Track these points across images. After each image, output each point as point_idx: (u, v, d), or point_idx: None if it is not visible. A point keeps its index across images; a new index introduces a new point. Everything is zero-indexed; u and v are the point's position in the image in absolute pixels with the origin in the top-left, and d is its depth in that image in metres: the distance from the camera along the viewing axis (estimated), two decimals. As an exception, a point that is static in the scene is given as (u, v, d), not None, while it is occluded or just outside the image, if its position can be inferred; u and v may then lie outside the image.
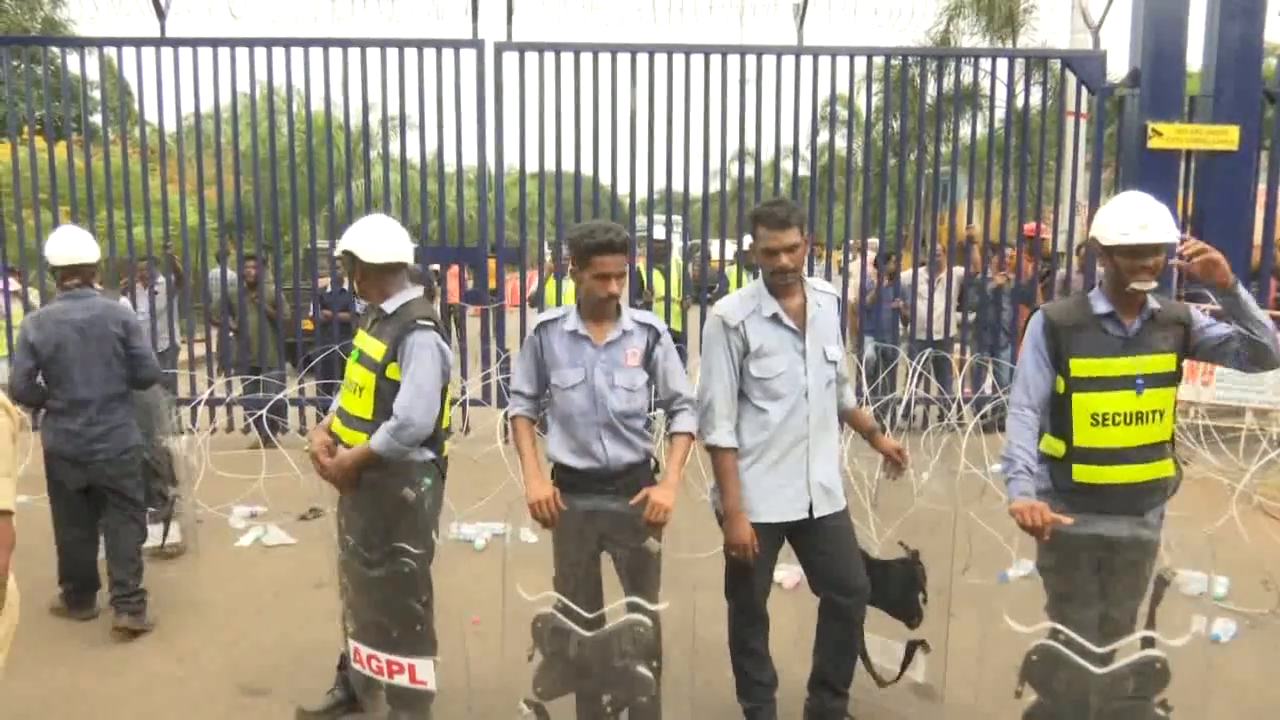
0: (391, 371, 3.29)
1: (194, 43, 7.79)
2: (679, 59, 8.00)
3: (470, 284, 8.68)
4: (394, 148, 8.40)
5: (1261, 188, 8.65)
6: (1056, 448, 2.95)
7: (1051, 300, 7.63)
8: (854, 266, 9.11)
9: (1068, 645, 2.67)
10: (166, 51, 7.79)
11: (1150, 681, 2.67)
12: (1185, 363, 7.66)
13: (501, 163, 8.10)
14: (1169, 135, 8.23)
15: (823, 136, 10.68)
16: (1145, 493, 2.91)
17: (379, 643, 3.29)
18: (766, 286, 3.11)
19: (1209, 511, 5.66)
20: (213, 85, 7.83)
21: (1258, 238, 8.82)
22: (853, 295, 8.92)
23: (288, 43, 7.87)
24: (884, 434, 3.39)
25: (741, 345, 3.08)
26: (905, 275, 8.74)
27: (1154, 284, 2.85)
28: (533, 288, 10.10)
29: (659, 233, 9.33)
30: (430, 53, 7.84)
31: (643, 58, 7.98)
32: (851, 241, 9.11)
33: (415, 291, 3.47)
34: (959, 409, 7.67)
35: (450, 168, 8.32)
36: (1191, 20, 8.31)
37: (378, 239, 3.38)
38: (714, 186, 9.10)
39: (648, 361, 3.17)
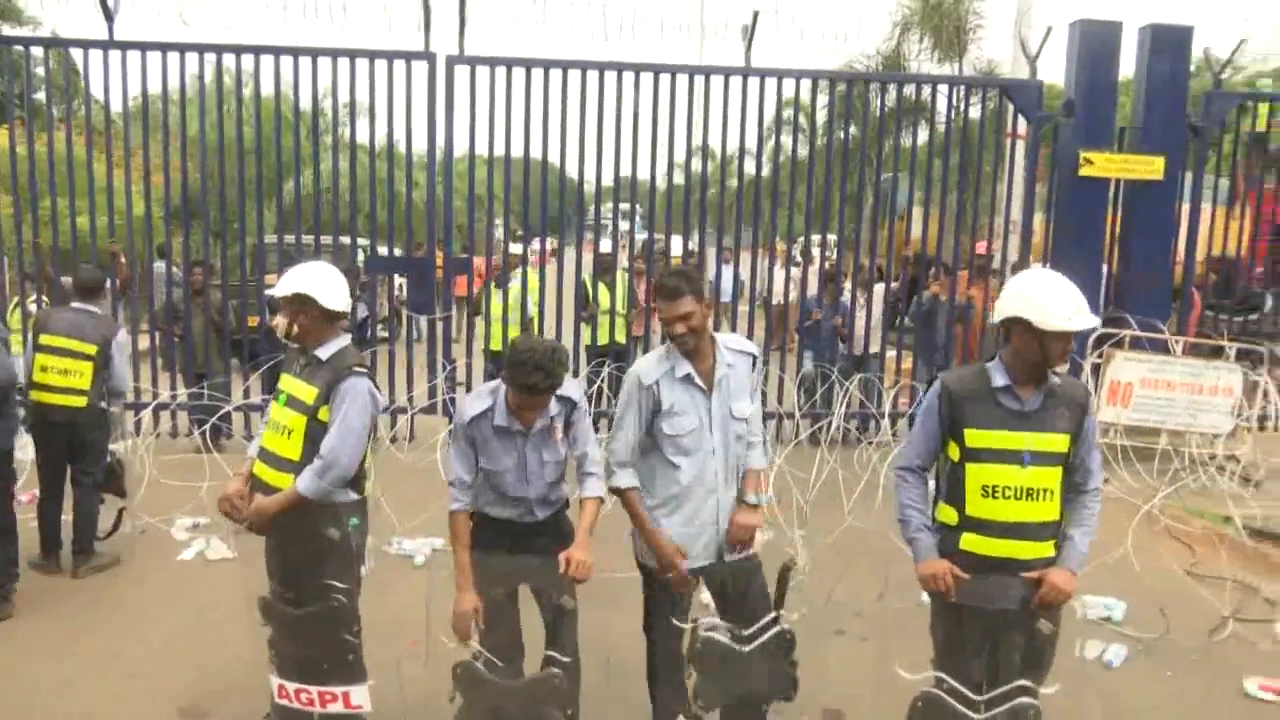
0: (324, 414, 3.43)
1: (143, 46, 7.75)
2: (629, 76, 8.15)
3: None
4: (347, 153, 8.44)
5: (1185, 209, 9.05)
6: (950, 516, 3.06)
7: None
8: (795, 274, 9.37)
9: (950, 694, 2.89)
10: (115, 54, 7.75)
11: (1024, 727, 2.91)
12: (1106, 385, 7.99)
13: (450, 174, 8.20)
14: (1099, 164, 8.56)
15: (777, 140, 10.88)
16: (1026, 571, 2.99)
17: (309, 676, 3.42)
18: (678, 348, 3.29)
19: (1117, 534, 5.97)
20: (161, 90, 7.81)
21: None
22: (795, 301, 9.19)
23: (239, 49, 7.87)
24: (753, 509, 3.40)
25: (653, 404, 3.26)
26: (846, 294, 9.02)
27: (1065, 366, 3.00)
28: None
29: (610, 225, 9.46)
30: (381, 64, 7.91)
31: (593, 74, 8.11)
32: (797, 253, 9.37)
33: (346, 339, 3.61)
34: (891, 424, 7.94)
35: (400, 185, 8.31)
36: (1123, 55, 8.67)
37: (337, 287, 3.50)
38: (676, 179, 9.27)
39: (568, 429, 3.38)
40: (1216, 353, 8.24)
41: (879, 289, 9.16)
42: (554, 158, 8.27)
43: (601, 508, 3.40)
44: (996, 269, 9.01)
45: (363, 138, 8.45)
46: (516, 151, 8.20)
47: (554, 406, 3.33)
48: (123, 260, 8.23)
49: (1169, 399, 7.68)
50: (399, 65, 7.92)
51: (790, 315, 9.92)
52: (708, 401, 3.29)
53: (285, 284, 3.49)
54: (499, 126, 8.03)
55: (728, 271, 12.05)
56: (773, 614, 3.21)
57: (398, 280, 11.18)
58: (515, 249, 9.22)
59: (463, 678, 3.01)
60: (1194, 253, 9.05)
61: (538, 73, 8.04)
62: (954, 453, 3.03)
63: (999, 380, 2.97)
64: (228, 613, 4.97)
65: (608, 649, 3.68)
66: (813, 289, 9.27)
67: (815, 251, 9.75)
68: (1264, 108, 9.30)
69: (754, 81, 8.29)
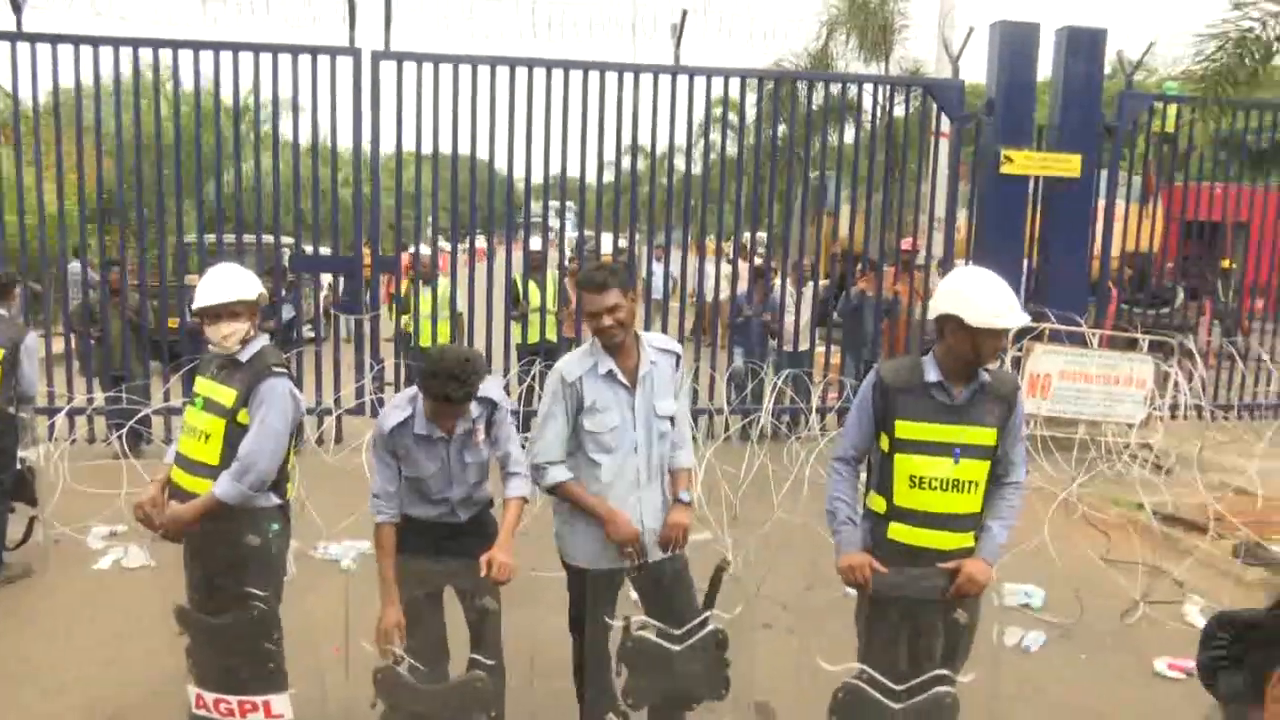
0: (243, 417, 3.37)
1: (54, 39, 7.50)
2: (558, 73, 8.13)
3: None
4: (271, 150, 8.28)
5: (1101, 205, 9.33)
6: (879, 504, 3.11)
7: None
8: (726, 271, 9.44)
9: (871, 684, 2.95)
10: (24, 47, 7.48)
11: (943, 715, 2.98)
12: (1026, 377, 8.19)
13: (377, 172, 8.10)
14: (1019, 161, 8.79)
15: (712, 138, 10.94)
16: (950, 560, 3.04)
17: (228, 685, 3.36)
18: (602, 344, 3.27)
19: (1036, 522, 6.14)
20: (74, 85, 7.56)
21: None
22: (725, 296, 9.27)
23: (156, 43, 7.66)
24: (685, 506, 3.40)
25: (576, 400, 3.25)
26: (775, 290, 9.12)
27: (995, 364, 3.06)
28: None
29: (541, 222, 9.43)
30: (305, 59, 7.76)
31: (522, 71, 8.07)
32: (726, 248, 9.44)
33: (265, 339, 3.55)
34: (820, 419, 8.06)
35: (326, 183, 8.16)
36: (1043, 57, 8.92)
37: (254, 285, 3.46)
38: (606, 178, 9.28)
39: (489, 430, 3.35)
40: (1131, 345, 8.52)
41: (810, 286, 9.30)
42: (485, 155, 8.26)
43: (526, 507, 3.38)
44: (921, 265, 9.19)
45: (292, 135, 8.31)
46: (446, 149, 8.13)
47: (475, 409, 3.30)
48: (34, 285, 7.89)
49: (1086, 390, 7.92)
50: (324, 60, 7.78)
51: (722, 312, 9.98)
52: (631, 398, 3.28)
53: (221, 291, 3.39)
54: (426, 123, 7.95)
55: (660, 269, 12.12)
56: (706, 613, 3.23)
57: (325, 279, 10.99)
58: (445, 246, 9.13)
59: (384, 684, 2.98)
60: (1109, 248, 9.36)
61: (465, 69, 7.98)
62: (884, 443, 3.08)
63: (932, 375, 3.02)
64: (147, 622, 4.83)
65: (533, 649, 3.66)
66: (744, 286, 9.36)
67: (747, 249, 9.85)
68: (1173, 109, 9.63)
69: (684, 80, 8.35)
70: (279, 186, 8.06)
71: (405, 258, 9.40)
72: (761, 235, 10.31)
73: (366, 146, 7.97)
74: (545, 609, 3.88)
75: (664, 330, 9.21)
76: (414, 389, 3.31)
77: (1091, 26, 9.01)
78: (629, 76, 8.29)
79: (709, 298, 10.82)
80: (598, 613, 3.33)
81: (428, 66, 7.90)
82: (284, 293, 9.07)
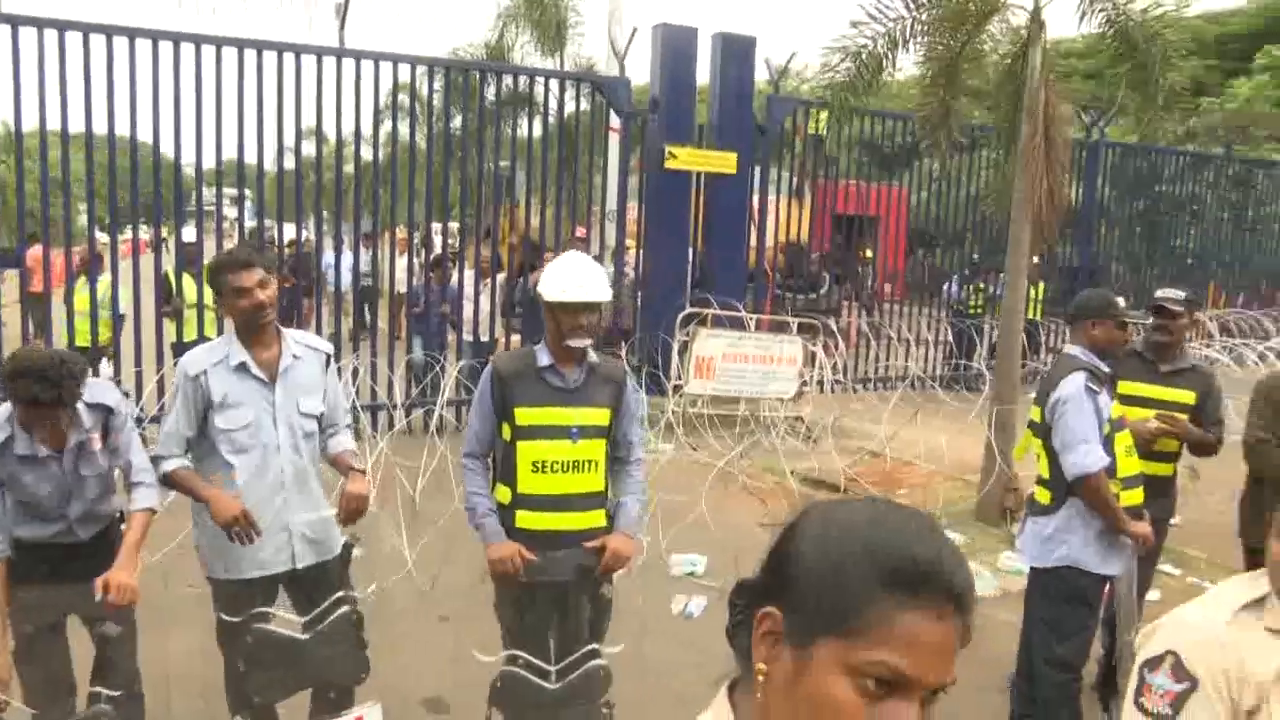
0: None
1: None
2: (209, 50, 7.54)
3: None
4: None
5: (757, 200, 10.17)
6: (504, 495, 3.17)
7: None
8: (401, 264, 9.27)
9: (526, 668, 3.02)
10: None
11: (596, 687, 3.13)
12: (693, 360, 8.73)
13: (20, 152, 7.14)
14: (682, 157, 9.35)
15: (389, 126, 10.62)
16: (582, 541, 3.17)
17: None
18: (238, 335, 3.09)
19: (698, 495, 6.58)
20: None
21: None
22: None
23: None
24: (359, 476, 3.24)
25: (203, 396, 3.03)
26: (454, 280, 9.07)
27: (588, 340, 3.13)
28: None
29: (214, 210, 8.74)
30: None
31: (167, 45, 7.40)
32: (399, 236, 9.25)
33: None
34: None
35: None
36: (702, 59, 9.52)
37: None
38: (287, 164, 8.73)
39: (106, 437, 3.05)
40: (784, 327, 9.36)
41: (500, 277, 9.29)
42: (147, 137, 7.53)
43: (153, 519, 3.10)
44: (597, 255, 9.51)
45: None
46: (101, 129, 7.30)
47: (88, 418, 2.99)
48: None
49: (745, 370, 8.60)
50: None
51: (402, 304, 9.79)
52: (270, 394, 3.11)
53: None
54: (51, 97, 7.07)
55: (344, 261, 11.64)
56: (337, 594, 3.13)
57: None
58: (103, 238, 8.21)
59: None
60: (765, 239, 10.21)
61: (98, 39, 7.17)
62: (505, 433, 3.14)
63: (543, 360, 3.12)
64: None
65: (168, 668, 3.40)
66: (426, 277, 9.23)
67: (436, 240, 9.71)
68: (821, 113, 10.66)
69: (365, 65, 8.09)
70: None
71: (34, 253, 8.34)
72: (453, 225, 10.20)
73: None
74: (190, 625, 3.62)
75: (337, 322, 8.91)
76: (6, 405, 2.93)
77: (743, 34, 9.75)
78: (290, 57, 7.85)
79: (399, 289, 10.58)
80: (248, 625, 3.15)
81: (50, 34, 7.01)
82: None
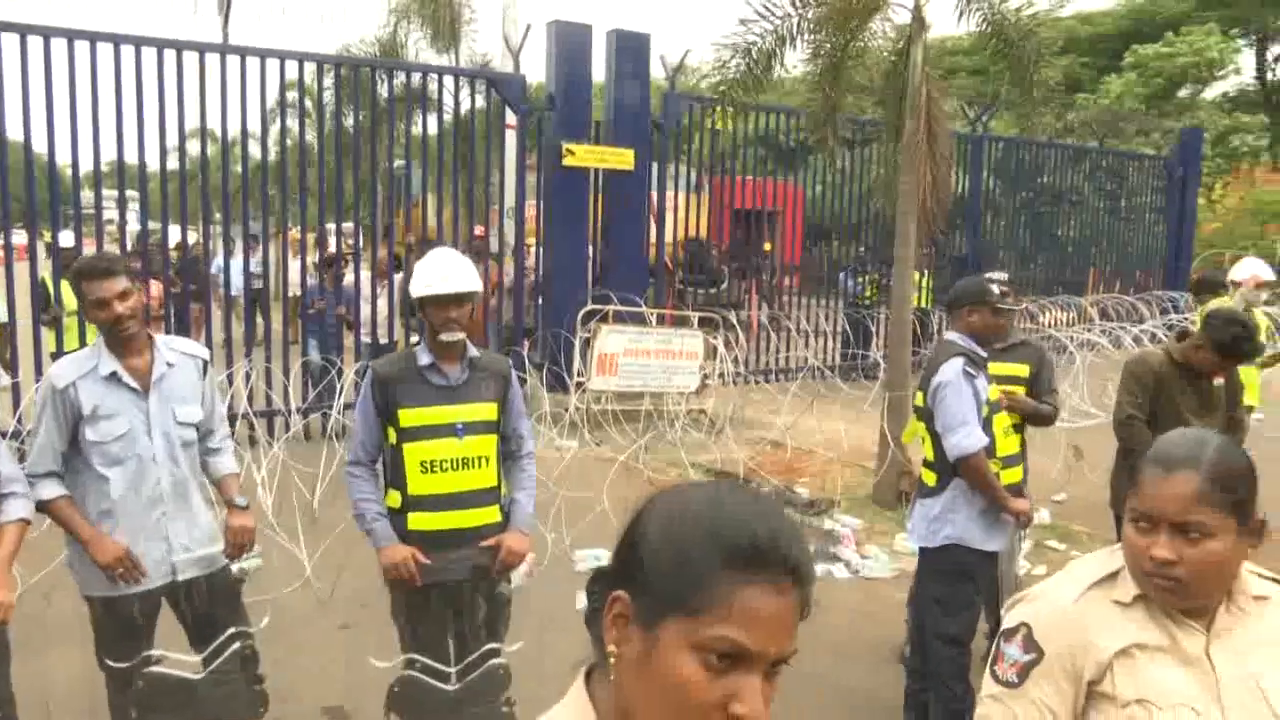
0: None
1: None
2: (82, 45, 7.22)
3: None
4: None
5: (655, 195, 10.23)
6: (394, 499, 3.14)
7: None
8: (295, 265, 9.05)
9: (424, 672, 3.00)
10: None
11: (497, 686, 3.12)
12: (595, 356, 8.74)
13: None
14: (580, 154, 9.35)
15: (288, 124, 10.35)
16: (478, 539, 3.17)
17: None
18: (107, 344, 2.98)
19: (600, 490, 6.59)
20: None
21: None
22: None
23: None
24: (242, 511, 3.22)
25: (72, 409, 2.92)
26: (349, 280, 8.89)
27: (460, 334, 3.10)
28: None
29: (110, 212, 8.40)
30: None
31: (35, 40, 7.06)
32: (292, 237, 9.03)
33: None
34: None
35: None
36: (597, 56, 9.54)
37: None
38: (172, 164, 8.41)
39: None
40: (686, 322, 9.46)
41: (399, 277, 9.11)
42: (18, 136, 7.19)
43: (26, 531, 2.93)
44: (495, 252, 9.46)
45: None
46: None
47: None
48: None
49: (647, 365, 8.66)
50: None
51: (294, 306, 9.56)
52: (143, 403, 3.00)
53: None
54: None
55: (235, 263, 11.28)
56: (230, 630, 3.06)
57: None
58: None
59: None
60: (664, 235, 10.28)
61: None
62: (392, 436, 3.11)
63: (424, 360, 3.10)
64: None
65: (47, 694, 3.26)
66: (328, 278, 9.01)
67: (332, 240, 9.48)
68: (717, 109, 10.77)
69: (251, 62, 7.84)
70: None
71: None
72: (350, 226, 10.01)
73: None
74: (71, 646, 3.48)
75: (227, 327, 8.64)
76: None
77: (637, 31, 9.80)
78: (170, 54, 7.57)
79: (294, 291, 10.33)
80: (129, 646, 3.04)
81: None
82: None
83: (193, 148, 8.99)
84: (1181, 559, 1.50)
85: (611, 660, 0.98)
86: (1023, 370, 4.39)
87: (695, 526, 0.95)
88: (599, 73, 9.92)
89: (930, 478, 3.76)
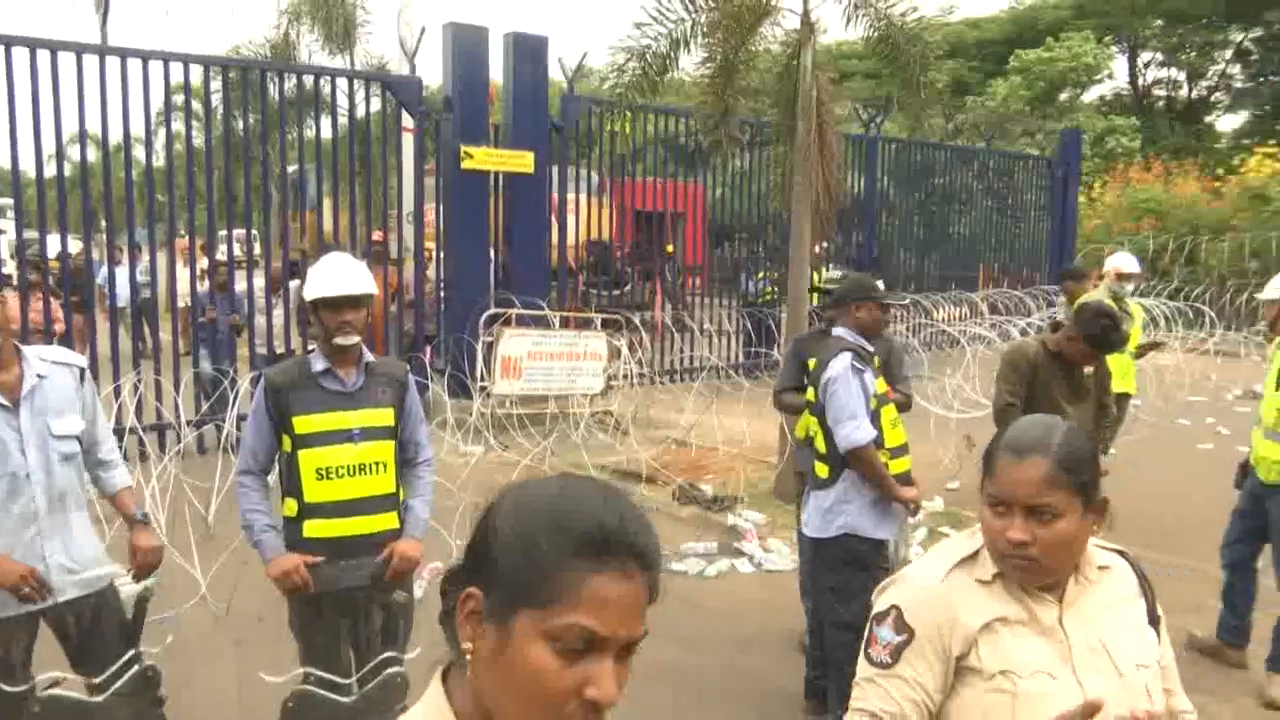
0: None
1: None
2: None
3: None
4: None
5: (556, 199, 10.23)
6: (290, 508, 3.09)
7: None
8: (183, 274, 8.77)
9: (320, 685, 2.95)
10: None
11: (395, 695, 3.08)
12: (499, 360, 8.68)
13: None
14: (479, 157, 9.29)
15: (175, 128, 10.01)
16: (377, 546, 3.13)
17: None
18: None
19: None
20: None
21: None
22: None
23: None
24: (145, 527, 3.15)
25: None
26: (241, 287, 8.65)
27: (355, 338, 3.04)
28: None
29: None
30: None
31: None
32: (180, 245, 8.74)
33: None
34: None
35: None
36: (495, 59, 9.48)
37: None
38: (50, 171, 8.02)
39: None
40: (589, 324, 9.48)
41: (294, 284, 8.90)
42: None
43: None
44: (395, 257, 9.33)
45: None
46: None
47: None
48: None
49: (551, 368, 8.66)
50: None
51: (184, 316, 9.26)
52: (14, 419, 2.87)
53: None
54: None
55: (121, 273, 10.85)
56: (131, 651, 2.96)
57: None
58: None
59: None
60: (565, 236, 10.29)
61: None
62: (286, 444, 3.06)
63: (318, 365, 3.05)
64: None
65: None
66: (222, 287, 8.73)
67: (222, 247, 9.23)
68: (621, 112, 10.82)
69: (133, 64, 7.56)
70: None
71: None
72: (240, 232, 9.71)
73: None
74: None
75: (113, 339, 8.32)
76: None
77: (535, 34, 9.79)
78: (44, 54, 7.25)
79: (184, 301, 9.99)
80: (15, 670, 2.91)
81: None
82: None
83: (78, 154, 8.60)
84: (1035, 540, 1.59)
85: (467, 657, 0.99)
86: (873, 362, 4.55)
87: (543, 519, 0.96)
88: (496, 76, 9.88)
89: (823, 470, 3.85)
